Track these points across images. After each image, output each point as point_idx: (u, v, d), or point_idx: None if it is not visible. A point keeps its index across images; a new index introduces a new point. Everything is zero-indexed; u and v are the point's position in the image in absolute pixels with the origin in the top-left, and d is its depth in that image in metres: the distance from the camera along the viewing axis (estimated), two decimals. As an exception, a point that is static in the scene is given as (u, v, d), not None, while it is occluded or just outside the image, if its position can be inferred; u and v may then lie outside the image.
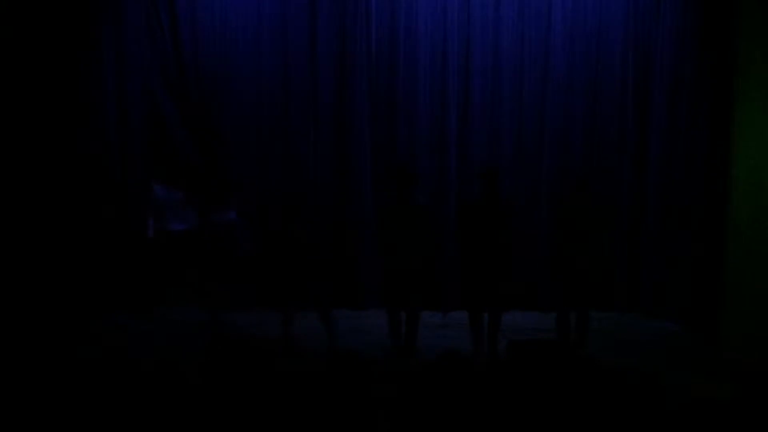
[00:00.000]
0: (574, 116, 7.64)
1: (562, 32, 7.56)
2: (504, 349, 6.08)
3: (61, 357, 5.86)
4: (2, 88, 6.61)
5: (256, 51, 7.69)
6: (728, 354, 6.16)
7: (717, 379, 5.56)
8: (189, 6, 7.65)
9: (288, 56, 7.69)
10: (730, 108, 6.47)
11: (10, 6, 6.64)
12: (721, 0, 6.67)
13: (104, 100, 7.42)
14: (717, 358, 6.13)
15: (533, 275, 7.61)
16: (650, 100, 7.51)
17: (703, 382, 5.48)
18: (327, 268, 6.22)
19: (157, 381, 4.42)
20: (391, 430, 4.09)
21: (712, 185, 6.85)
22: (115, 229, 7.44)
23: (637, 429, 4.16)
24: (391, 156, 7.71)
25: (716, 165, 6.78)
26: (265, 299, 7.03)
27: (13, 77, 6.69)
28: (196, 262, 7.16)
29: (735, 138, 6.38)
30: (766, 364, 5.76)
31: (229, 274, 7.09)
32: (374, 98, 7.70)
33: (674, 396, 4.78)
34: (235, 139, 7.73)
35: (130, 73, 7.54)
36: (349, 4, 7.61)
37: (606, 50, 7.58)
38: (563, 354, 5.68)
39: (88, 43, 7.29)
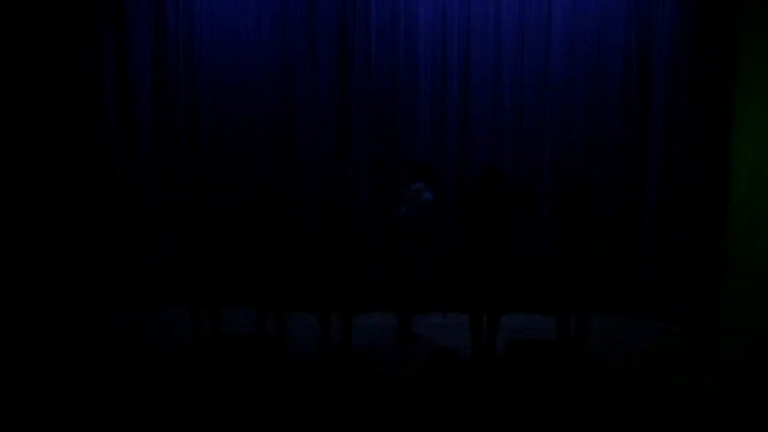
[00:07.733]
0: (574, 116, 7.62)
1: (562, 32, 7.56)
2: (504, 349, 6.11)
3: (61, 357, 5.86)
4: (2, 88, 6.61)
5: (256, 50, 7.69)
6: (728, 354, 6.15)
7: (717, 379, 5.56)
8: (189, 6, 7.68)
9: (288, 56, 7.69)
10: (729, 107, 6.46)
11: (10, 6, 6.64)
12: (720, 0, 6.68)
13: (105, 100, 7.42)
14: (717, 358, 6.12)
15: (533, 277, 7.60)
16: (650, 100, 7.50)
17: (703, 382, 5.48)
18: (326, 269, 6.20)
19: (156, 381, 4.42)
20: (390, 430, 4.09)
21: (712, 185, 6.86)
22: (115, 228, 7.44)
23: (638, 429, 4.16)
24: (391, 156, 7.71)
25: (716, 165, 6.79)
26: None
27: (13, 78, 6.69)
28: None
29: (734, 137, 6.37)
30: (766, 364, 5.75)
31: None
32: (374, 98, 7.69)
33: (675, 396, 4.78)
34: (235, 138, 7.73)
35: (130, 73, 7.54)
36: (349, 5, 7.62)
37: (606, 50, 7.56)
38: (562, 354, 5.69)
39: (88, 43, 7.29)
